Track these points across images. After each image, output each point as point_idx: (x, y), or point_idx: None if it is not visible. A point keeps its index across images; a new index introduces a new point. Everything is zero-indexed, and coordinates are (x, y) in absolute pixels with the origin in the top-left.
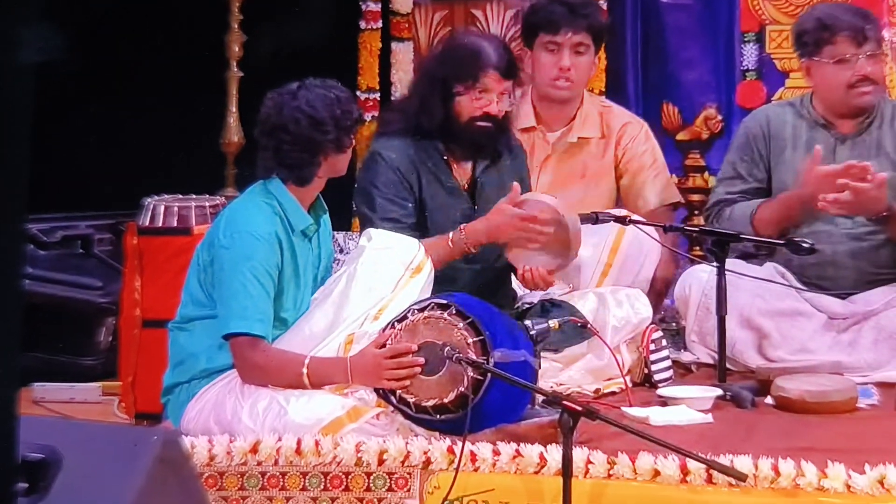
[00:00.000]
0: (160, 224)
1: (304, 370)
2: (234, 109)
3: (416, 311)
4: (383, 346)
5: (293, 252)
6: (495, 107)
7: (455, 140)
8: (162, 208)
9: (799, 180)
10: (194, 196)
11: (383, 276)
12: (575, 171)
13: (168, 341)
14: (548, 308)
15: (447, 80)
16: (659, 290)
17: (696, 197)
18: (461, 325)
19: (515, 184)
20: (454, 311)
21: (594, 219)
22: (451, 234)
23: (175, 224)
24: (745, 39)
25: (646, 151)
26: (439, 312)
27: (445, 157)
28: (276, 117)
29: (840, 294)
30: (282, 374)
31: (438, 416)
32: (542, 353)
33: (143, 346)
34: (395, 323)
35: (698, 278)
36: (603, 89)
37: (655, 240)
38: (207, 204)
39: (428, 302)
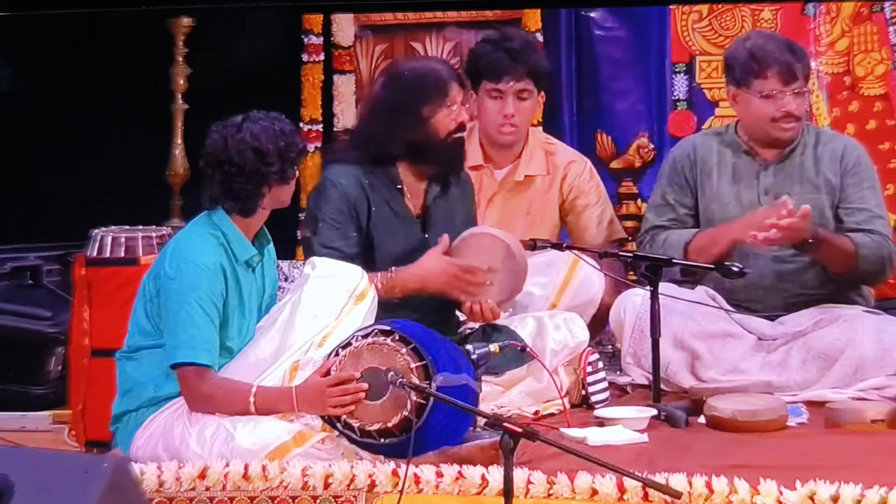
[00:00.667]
0: (108, 255)
1: (252, 399)
2: (179, 141)
3: (359, 338)
4: (328, 373)
5: (237, 282)
6: (464, 116)
7: (428, 160)
8: (109, 239)
9: (726, 208)
10: (141, 227)
11: (328, 304)
12: (520, 208)
13: (116, 370)
14: (489, 332)
15: (410, 105)
16: (604, 318)
17: (629, 224)
18: (404, 350)
19: (444, 236)
20: (397, 337)
21: (532, 246)
22: (379, 276)
23: (122, 254)
24: (676, 70)
25: (591, 190)
26: (382, 338)
27: (399, 186)
28: (222, 149)
29: (770, 315)
30: (229, 402)
31: (383, 440)
32: (484, 377)
33: (93, 375)
34: (340, 350)
35: (633, 302)
36: (540, 120)
37: (593, 266)
38: (154, 234)
39: (371, 328)
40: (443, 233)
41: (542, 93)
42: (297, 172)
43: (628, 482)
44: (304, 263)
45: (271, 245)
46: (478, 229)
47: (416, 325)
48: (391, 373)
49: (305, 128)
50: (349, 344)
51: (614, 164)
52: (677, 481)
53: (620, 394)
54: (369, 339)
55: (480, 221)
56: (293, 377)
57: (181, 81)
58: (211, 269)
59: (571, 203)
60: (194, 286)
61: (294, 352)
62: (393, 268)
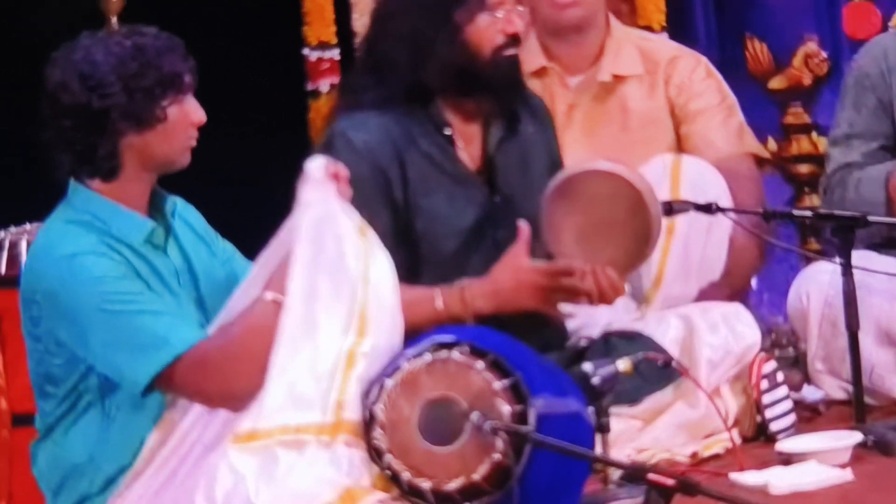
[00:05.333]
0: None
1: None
2: None
3: (411, 357)
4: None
5: (150, 268)
6: (518, 23)
7: (473, 89)
8: (24, 244)
9: None
10: None
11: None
12: (613, 122)
13: (31, 464)
14: (614, 343)
15: (440, 6)
16: (737, 291)
17: (803, 168)
18: (479, 365)
19: (523, 227)
20: (467, 349)
21: (667, 210)
22: (441, 292)
23: None
24: None
25: (709, 88)
26: (445, 353)
27: (447, 132)
28: (50, 84)
29: None
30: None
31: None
32: (614, 408)
33: (17, 452)
34: (384, 379)
35: (818, 282)
36: (664, 24)
37: (750, 231)
38: None
39: (426, 342)
40: (518, 191)
41: None
42: (176, 112)
43: None
44: None
45: (184, 208)
46: (586, 165)
47: (492, 332)
48: (466, 404)
49: (313, 55)
50: (397, 368)
51: (774, 83)
52: None
53: (810, 416)
54: (426, 357)
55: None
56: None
57: None
58: (97, 251)
59: (683, 110)
60: (88, 278)
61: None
62: (464, 281)
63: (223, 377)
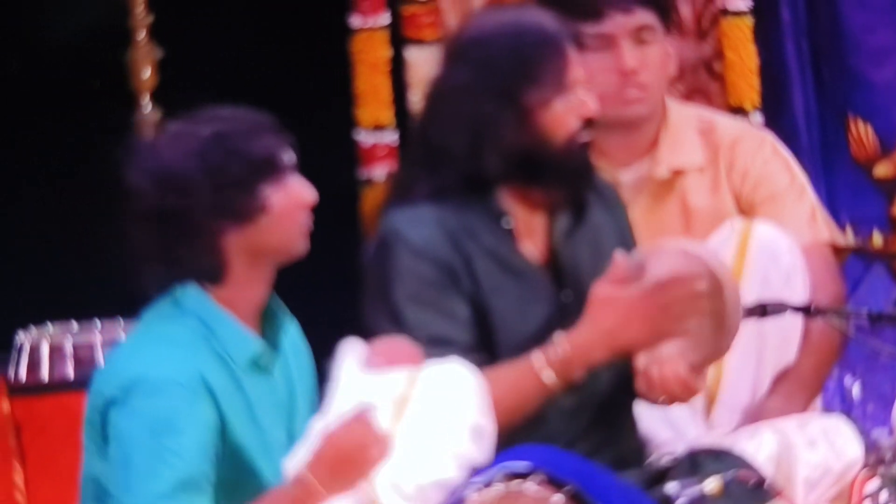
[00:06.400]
0: (45, 376)
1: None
2: None
3: (480, 487)
4: None
5: (244, 397)
6: (595, 106)
7: (542, 178)
8: (46, 348)
9: None
10: (99, 322)
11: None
12: (673, 221)
13: None
14: (700, 461)
15: (504, 88)
16: (814, 385)
17: None
18: (556, 499)
19: (618, 258)
20: (543, 479)
21: (761, 311)
22: (535, 357)
23: (71, 374)
24: None
25: (778, 170)
26: (518, 484)
27: (507, 226)
28: (126, 190)
29: None
30: None
31: None
32: None
33: None
34: None
35: None
36: (757, 104)
37: (843, 332)
38: (123, 334)
39: (493, 469)
40: (589, 285)
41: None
42: (275, 193)
43: None
44: None
45: (292, 325)
46: (662, 247)
47: (568, 456)
48: None
49: (368, 140)
50: (461, 500)
51: (880, 170)
52: None
53: None
54: (498, 488)
55: None
56: None
57: (146, 73)
58: (183, 384)
59: (751, 196)
60: (154, 416)
61: None
62: (555, 338)
63: None
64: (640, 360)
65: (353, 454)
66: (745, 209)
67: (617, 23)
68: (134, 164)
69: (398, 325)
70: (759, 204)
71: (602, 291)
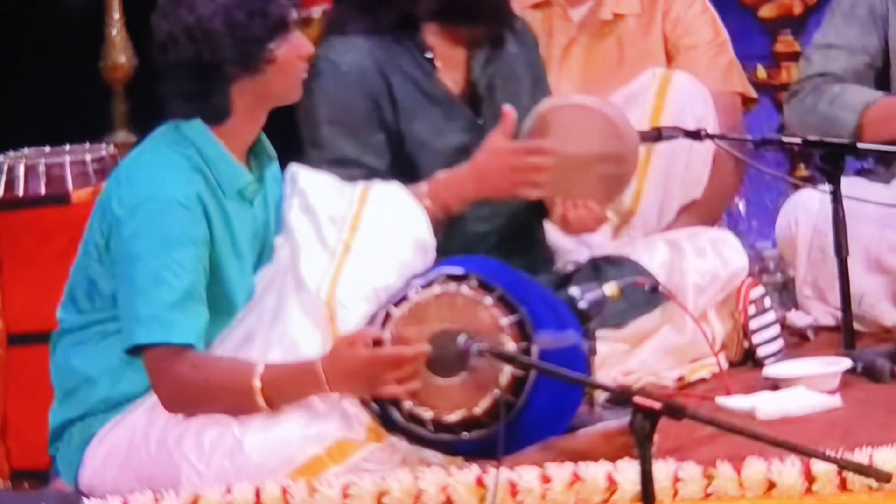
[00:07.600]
0: (21, 192)
1: (256, 382)
2: (116, 16)
3: (419, 288)
4: (377, 342)
5: (227, 221)
6: None
7: (461, 15)
8: (22, 168)
9: None
10: (68, 147)
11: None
12: (610, 59)
13: (50, 362)
14: (601, 268)
15: None
16: (714, 214)
17: None
18: (487, 300)
19: (507, 111)
20: (475, 283)
21: (656, 136)
22: (424, 187)
23: (43, 191)
24: None
25: (703, 24)
26: (454, 286)
27: (429, 56)
28: (159, 33)
29: None
30: (223, 394)
31: (467, 434)
32: (599, 332)
33: (13, 373)
34: (391, 306)
35: (807, 209)
36: None
37: (739, 157)
38: (89, 157)
39: (434, 273)
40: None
41: None
42: (284, 54)
43: (818, 466)
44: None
45: (276, 164)
46: (559, 100)
47: (498, 264)
48: (470, 337)
49: None
50: (405, 297)
51: (765, 11)
52: (885, 458)
53: (798, 341)
54: (435, 289)
55: (555, 82)
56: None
57: None
58: (185, 203)
59: (675, 44)
60: (161, 231)
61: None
62: (439, 172)
63: (175, 399)
64: (557, 202)
65: (367, 372)
66: (672, 52)
67: None
68: (167, 14)
69: (316, 144)
70: (683, 50)
71: (489, 142)
